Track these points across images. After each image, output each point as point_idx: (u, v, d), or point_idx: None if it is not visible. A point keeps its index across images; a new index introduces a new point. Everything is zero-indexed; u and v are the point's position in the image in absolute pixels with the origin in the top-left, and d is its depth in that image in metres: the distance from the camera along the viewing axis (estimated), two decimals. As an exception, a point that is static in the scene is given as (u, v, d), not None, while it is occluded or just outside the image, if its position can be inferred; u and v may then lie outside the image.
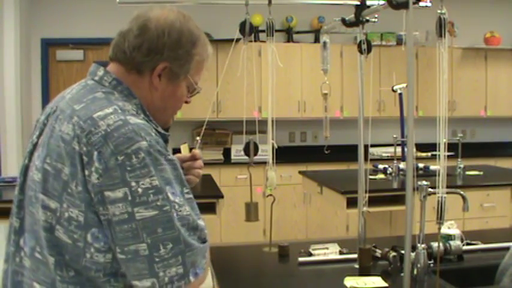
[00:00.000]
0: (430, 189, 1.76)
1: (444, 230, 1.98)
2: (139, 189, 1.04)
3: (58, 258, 1.09)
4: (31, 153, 1.19)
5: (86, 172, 1.05)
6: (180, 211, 1.08)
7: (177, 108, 1.32)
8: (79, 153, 1.06)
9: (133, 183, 1.04)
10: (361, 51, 1.85)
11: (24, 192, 1.17)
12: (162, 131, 1.23)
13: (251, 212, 1.87)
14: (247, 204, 1.96)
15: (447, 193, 1.58)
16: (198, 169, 1.49)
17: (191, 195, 1.15)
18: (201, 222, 1.14)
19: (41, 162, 1.12)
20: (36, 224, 1.12)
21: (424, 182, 1.77)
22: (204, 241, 1.13)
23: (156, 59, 1.19)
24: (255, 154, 1.75)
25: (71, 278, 1.09)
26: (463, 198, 1.87)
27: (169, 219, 1.06)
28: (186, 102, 1.33)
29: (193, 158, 1.50)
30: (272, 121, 2.02)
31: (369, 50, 1.84)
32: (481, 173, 4.23)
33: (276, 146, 2.05)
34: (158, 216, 1.05)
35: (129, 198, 1.03)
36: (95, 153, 1.05)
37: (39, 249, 1.11)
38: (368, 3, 1.80)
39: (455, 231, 2.00)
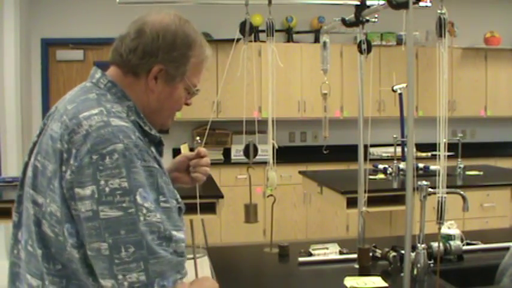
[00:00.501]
0: (430, 189, 1.76)
1: (444, 230, 1.98)
2: (107, 189, 1.05)
3: (45, 251, 1.13)
4: (31, 152, 1.23)
5: (63, 168, 1.09)
6: (149, 216, 1.07)
7: (174, 110, 1.33)
8: (60, 150, 1.10)
9: (102, 182, 1.05)
10: (361, 51, 1.85)
11: (23, 188, 1.22)
12: (154, 133, 1.24)
13: (250, 213, 1.86)
14: (246, 205, 1.96)
15: (447, 193, 1.58)
16: (205, 167, 1.50)
17: (169, 205, 1.13)
18: (179, 234, 1.12)
19: (34, 159, 1.18)
20: (29, 218, 1.17)
21: (424, 182, 1.77)
22: (180, 255, 1.11)
23: (151, 61, 1.22)
24: (255, 156, 1.75)
25: (57, 270, 1.12)
26: (463, 198, 1.87)
27: (133, 222, 1.05)
28: (187, 104, 1.34)
29: (199, 156, 1.51)
30: (272, 121, 2.02)
31: (369, 50, 1.84)
32: (481, 173, 4.23)
33: (276, 146, 2.05)
34: (122, 217, 1.05)
35: (96, 196, 1.05)
36: (74, 151, 1.08)
37: (30, 242, 1.16)
38: (368, 3, 1.80)
39: (455, 231, 2.00)
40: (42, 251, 1.13)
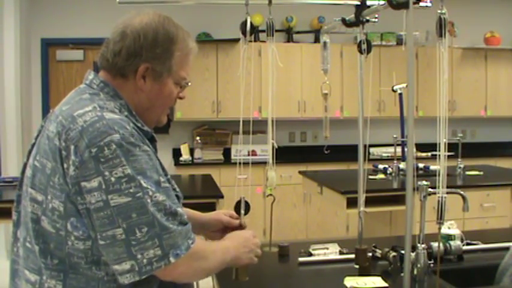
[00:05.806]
0: (430, 189, 1.76)
1: (444, 230, 1.98)
2: (113, 178, 1.10)
3: (43, 247, 1.17)
4: (29, 153, 1.28)
5: (65, 165, 1.13)
6: (156, 197, 1.14)
7: (167, 106, 1.36)
8: (59, 148, 1.14)
9: (106, 173, 1.10)
10: (361, 51, 1.85)
11: (22, 188, 1.26)
12: (146, 129, 1.28)
13: (239, 272, 1.66)
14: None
15: (447, 193, 1.58)
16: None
17: (168, 185, 1.21)
18: (179, 209, 1.19)
19: (33, 159, 1.22)
20: (26, 216, 1.21)
21: (424, 182, 1.77)
22: (185, 224, 1.20)
23: (136, 61, 1.26)
24: (247, 212, 1.72)
25: (54, 265, 1.17)
26: (463, 198, 1.87)
27: (142, 205, 1.12)
28: (180, 98, 1.38)
29: (240, 227, 1.62)
30: (272, 121, 2.02)
31: (368, 50, 1.84)
32: (481, 173, 4.23)
33: (276, 146, 2.05)
34: (131, 202, 1.11)
35: (103, 186, 1.10)
36: (72, 147, 1.12)
37: (29, 239, 1.20)
38: (368, 3, 1.80)
39: (455, 231, 2.00)
40: (40, 246, 1.17)
